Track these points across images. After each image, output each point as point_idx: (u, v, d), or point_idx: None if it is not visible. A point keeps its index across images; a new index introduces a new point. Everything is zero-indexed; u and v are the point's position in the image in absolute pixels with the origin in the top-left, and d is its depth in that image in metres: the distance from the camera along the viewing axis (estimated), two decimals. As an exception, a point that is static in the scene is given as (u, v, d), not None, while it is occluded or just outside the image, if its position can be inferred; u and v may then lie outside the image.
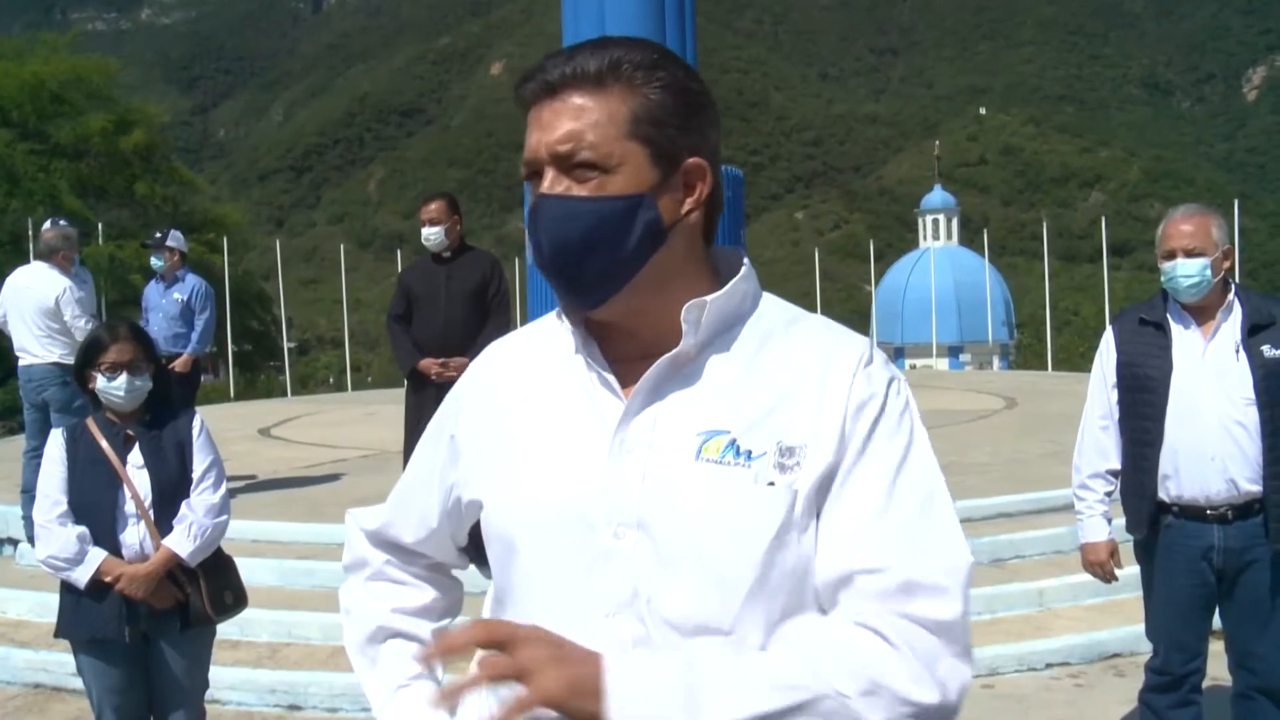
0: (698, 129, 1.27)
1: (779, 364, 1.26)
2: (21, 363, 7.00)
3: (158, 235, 7.77)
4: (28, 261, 7.71)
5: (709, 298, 1.25)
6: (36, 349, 6.85)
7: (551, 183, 1.24)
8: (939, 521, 1.20)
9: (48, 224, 7.62)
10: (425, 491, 1.42)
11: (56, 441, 3.37)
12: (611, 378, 1.27)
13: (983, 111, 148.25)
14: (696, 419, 1.23)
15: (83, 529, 3.27)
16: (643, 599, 1.18)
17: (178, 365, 7.29)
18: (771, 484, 1.19)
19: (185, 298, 7.54)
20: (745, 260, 1.32)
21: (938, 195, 49.36)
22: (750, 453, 1.20)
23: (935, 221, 48.31)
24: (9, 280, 7.20)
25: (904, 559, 1.16)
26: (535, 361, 1.35)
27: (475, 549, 1.43)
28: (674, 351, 1.24)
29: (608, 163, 1.22)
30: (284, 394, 21.44)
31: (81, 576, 3.23)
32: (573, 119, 1.22)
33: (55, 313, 6.85)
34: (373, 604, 1.46)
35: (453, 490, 1.38)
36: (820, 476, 1.20)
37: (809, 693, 1.06)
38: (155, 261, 7.65)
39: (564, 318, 1.32)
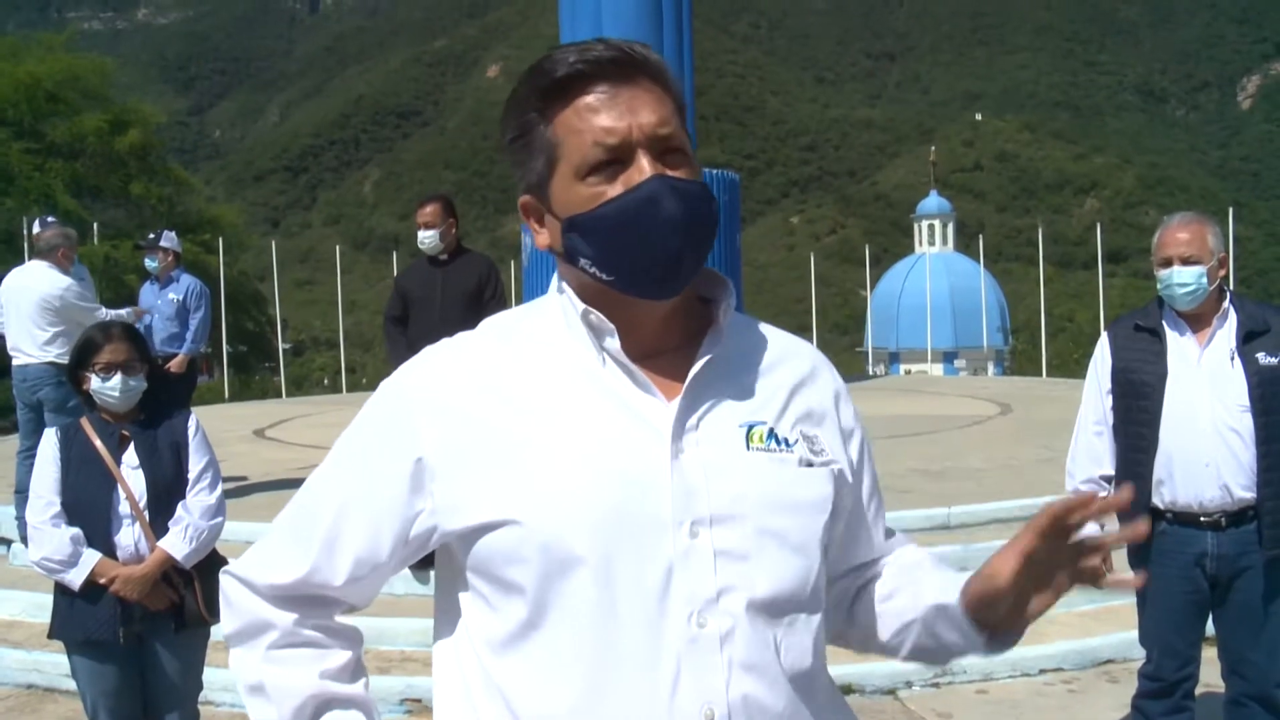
0: None
1: (772, 361, 1.34)
2: (16, 362, 6.96)
3: (150, 236, 7.79)
4: (22, 261, 7.69)
5: (730, 304, 1.32)
6: (32, 348, 6.81)
7: (654, 166, 1.21)
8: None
9: (37, 224, 7.61)
10: (369, 524, 1.25)
11: (50, 441, 3.36)
12: (645, 378, 1.25)
13: (978, 117, 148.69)
14: (734, 412, 1.27)
15: (76, 530, 3.26)
16: (730, 591, 1.19)
17: (173, 365, 7.29)
18: (811, 465, 1.28)
19: (180, 298, 7.55)
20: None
21: (933, 201, 49.49)
22: (787, 440, 1.28)
23: (931, 227, 48.44)
24: (7, 280, 7.17)
25: (901, 545, 1.48)
26: (514, 366, 1.26)
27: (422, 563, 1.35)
28: (713, 353, 1.28)
29: (689, 150, 1.25)
30: (279, 395, 21.40)
31: (75, 578, 3.22)
32: (658, 104, 1.23)
33: (56, 311, 6.81)
34: (293, 673, 1.28)
35: (420, 519, 1.24)
36: (839, 466, 1.32)
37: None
38: (149, 263, 7.66)
39: (590, 318, 1.25)
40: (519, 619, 1.20)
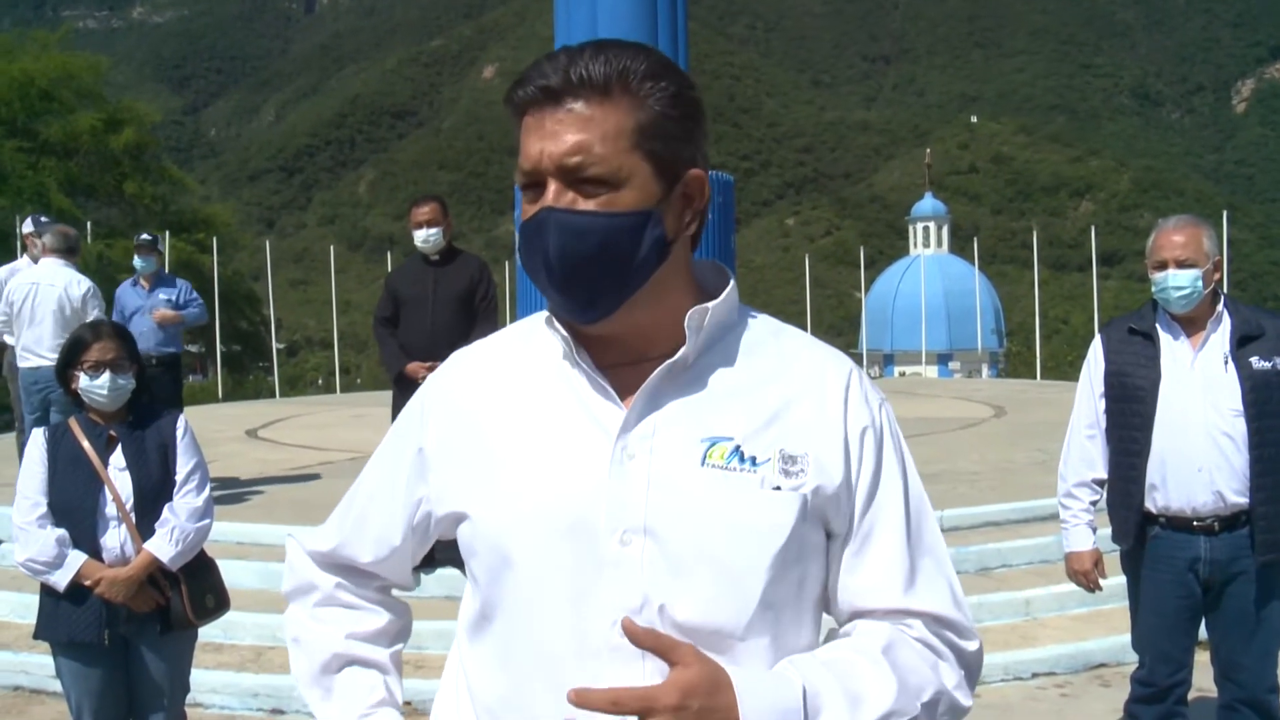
0: (696, 140, 1.26)
1: (772, 373, 1.28)
2: (27, 364, 6.83)
3: (146, 238, 7.72)
4: (14, 259, 7.62)
5: (709, 305, 1.25)
6: (46, 350, 6.67)
7: (556, 195, 1.19)
8: (939, 547, 1.32)
9: (29, 222, 7.54)
10: (387, 508, 1.36)
11: (37, 442, 3.33)
12: (606, 384, 1.24)
13: (974, 120, 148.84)
14: (698, 425, 1.23)
15: (62, 532, 3.23)
16: (653, 606, 1.17)
17: (158, 316, 7.32)
18: (778, 488, 1.21)
19: (173, 298, 7.51)
20: (728, 272, 1.33)
21: (928, 203, 49.53)
22: (755, 459, 1.22)
23: (926, 229, 48.47)
24: (22, 276, 7.02)
25: (932, 597, 1.27)
26: (512, 368, 1.31)
27: (429, 560, 1.40)
28: (675, 358, 1.23)
29: (616, 177, 1.19)
30: (272, 395, 21.37)
31: (61, 580, 3.19)
32: (579, 130, 1.19)
33: (77, 312, 6.74)
34: (325, 630, 1.39)
35: (421, 505, 1.33)
36: (823, 487, 1.24)
37: (902, 715, 1.18)
38: (142, 264, 7.57)
39: (553, 324, 1.27)
40: (477, 607, 1.28)
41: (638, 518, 1.19)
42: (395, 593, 1.46)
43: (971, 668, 1.28)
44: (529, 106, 1.22)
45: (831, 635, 1.29)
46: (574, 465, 1.21)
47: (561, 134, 1.19)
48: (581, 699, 1.08)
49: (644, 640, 1.12)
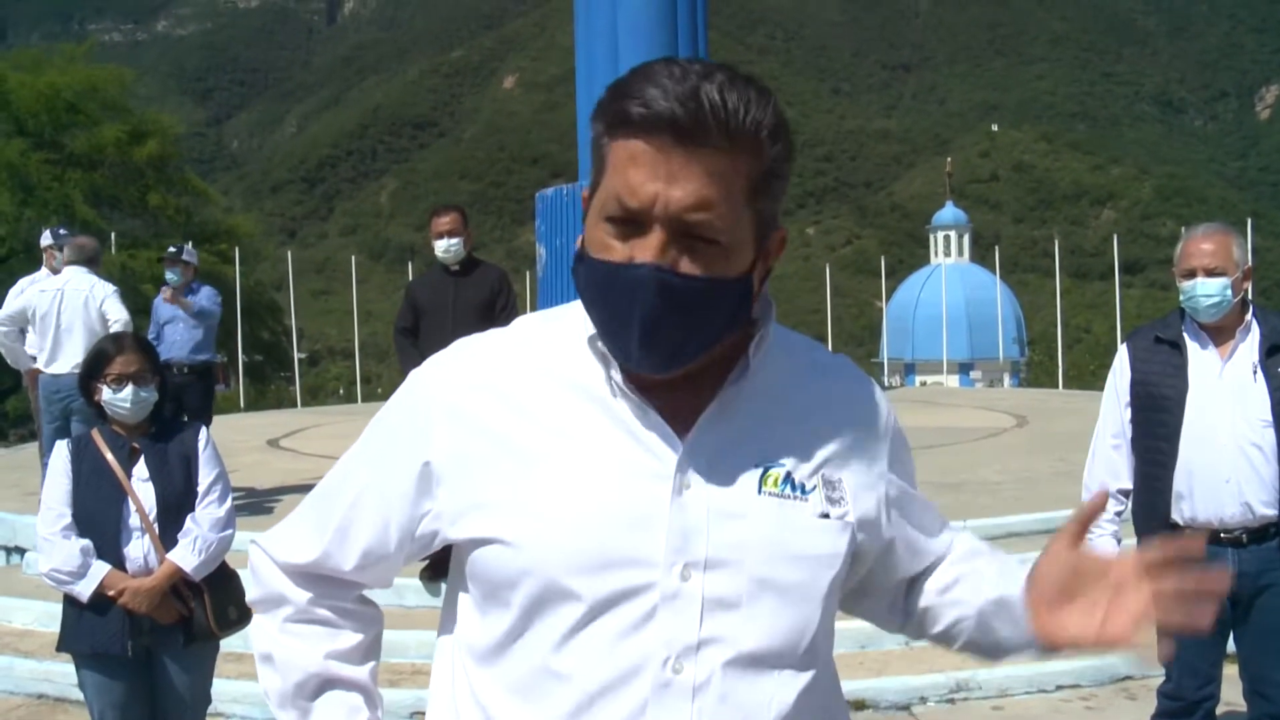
0: (784, 195, 1.20)
1: (812, 400, 1.27)
2: (50, 371, 6.89)
3: (172, 250, 7.82)
4: (39, 269, 7.68)
5: (763, 333, 1.22)
6: (68, 358, 6.70)
7: (662, 250, 1.09)
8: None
9: (47, 234, 7.61)
10: (379, 521, 1.26)
11: (61, 454, 3.35)
12: (654, 413, 1.18)
13: (995, 128, 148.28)
14: (751, 453, 1.20)
15: (86, 542, 3.25)
16: (714, 643, 1.15)
17: (167, 295, 7.46)
18: (826, 516, 1.21)
19: (204, 301, 7.64)
20: (767, 295, 1.26)
21: (949, 212, 49.35)
22: (804, 486, 1.21)
23: (947, 238, 48.28)
24: (42, 286, 7.07)
25: (956, 537, 1.42)
26: (538, 380, 1.22)
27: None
28: (734, 386, 1.21)
29: (729, 238, 1.11)
30: (294, 405, 21.44)
31: (84, 590, 3.21)
32: (708, 183, 1.08)
33: (100, 319, 6.80)
34: (300, 648, 1.31)
35: (425, 521, 1.24)
36: (863, 516, 1.25)
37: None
38: (171, 275, 7.67)
39: (596, 346, 1.19)
40: (503, 630, 1.19)
41: (699, 550, 1.15)
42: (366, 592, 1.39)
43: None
44: (645, 133, 1.09)
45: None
46: (628, 497, 1.16)
47: (687, 182, 1.08)
48: None
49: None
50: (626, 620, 1.14)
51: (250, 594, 1.38)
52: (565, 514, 1.16)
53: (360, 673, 1.33)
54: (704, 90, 1.08)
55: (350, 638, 1.33)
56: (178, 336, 7.45)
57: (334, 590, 1.33)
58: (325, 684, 1.31)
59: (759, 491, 1.18)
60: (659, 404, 1.19)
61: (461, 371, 1.25)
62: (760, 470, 1.19)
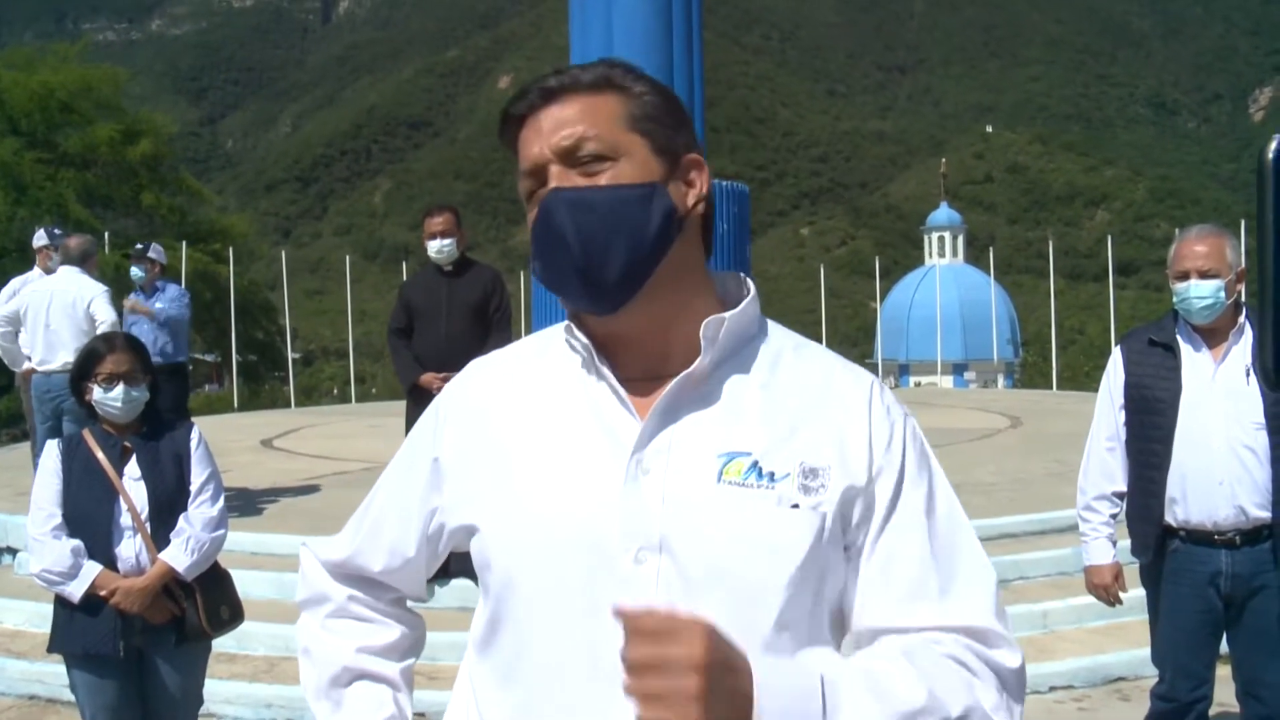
0: (688, 132, 1.28)
1: (793, 386, 1.25)
2: (41, 371, 6.89)
3: (139, 247, 7.93)
4: (32, 269, 7.68)
5: (726, 315, 1.23)
6: (59, 357, 6.71)
7: (560, 177, 1.20)
8: (975, 558, 1.25)
9: (41, 234, 7.62)
10: (401, 518, 1.34)
11: (52, 453, 3.34)
12: (625, 395, 1.22)
13: (989, 130, 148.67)
14: (715, 440, 1.20)
15: (77, 542, 3.23)
16: None
17: (128, 304, 7.49)
18: (796, 506, 1.18)
19: (167, 306, 7.63)
20: (750, 283, 1.30)
21: (944, 213, 49.45)
22: (773, 474, 1.19)
23: (941, 239, 48.37)
24: (34, 286, 7.09)
25: (966, 607, 1.20)
26: (531, 379, 1.29)
27: (443, 570, 1.38)
28: (690, 369, 1.21)
29: (615, 152, 1.20)
30: (288, 405, 21.41)
31: (76, 590, 3.19)
32: (577, 115, 1.21)
33: (88, 319, 6.80)
34: (336, 643, 1.37)
35: (435, 516, 1.31)
36: (846, 502, 1.20)
37: (930, 716, 1.10)
38: (136, 272, 7.74)
39: (573, 332, 1.26)
40: (486, 617, 1.26)
41: (652, 535, 1.16)
42: (410, 604, 1.44)
43: (1012, 687, 1.18)
44: (527, 115, 1.24)
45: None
46: (588, 480, 1.19)
47: (558, 121, 1.21)
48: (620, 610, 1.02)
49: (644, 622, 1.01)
50: (588, 602, 1.16)
51: (298, 594, 1.44)
52: (527, 499, 1.21)
53: (390, 668, 1.38)
54: (559, 72, 1.25)
55: (384, 635, 1.39)
56: (146, 337, 7.42)
57: (370, 590, 1.39)
58: (356, 676, 1.36)
59: (718, 480, 1.18)
60: (635, 393, 1.22)
61: (474, 381, 1.34)
62: (724, 459, 1.19)
